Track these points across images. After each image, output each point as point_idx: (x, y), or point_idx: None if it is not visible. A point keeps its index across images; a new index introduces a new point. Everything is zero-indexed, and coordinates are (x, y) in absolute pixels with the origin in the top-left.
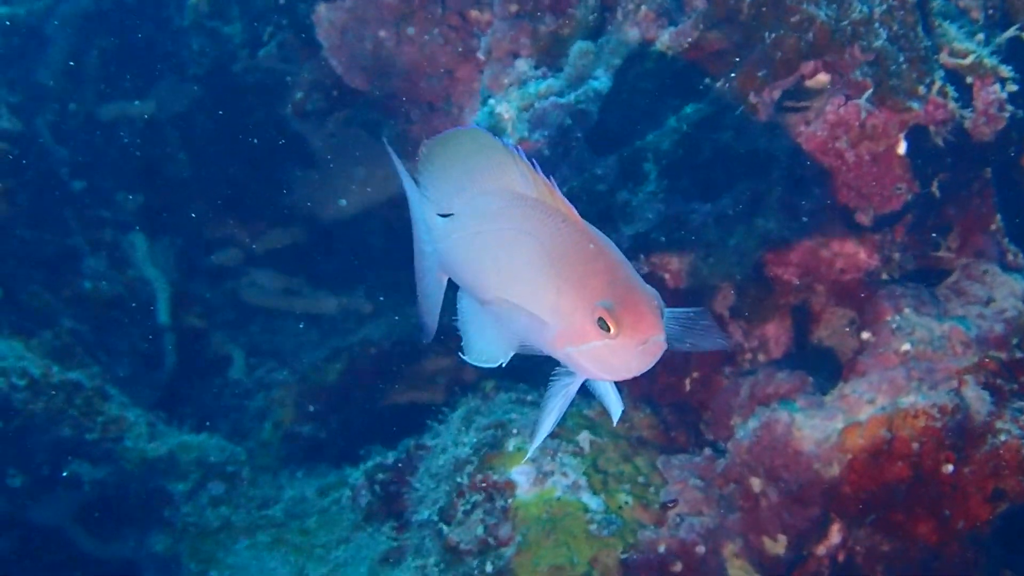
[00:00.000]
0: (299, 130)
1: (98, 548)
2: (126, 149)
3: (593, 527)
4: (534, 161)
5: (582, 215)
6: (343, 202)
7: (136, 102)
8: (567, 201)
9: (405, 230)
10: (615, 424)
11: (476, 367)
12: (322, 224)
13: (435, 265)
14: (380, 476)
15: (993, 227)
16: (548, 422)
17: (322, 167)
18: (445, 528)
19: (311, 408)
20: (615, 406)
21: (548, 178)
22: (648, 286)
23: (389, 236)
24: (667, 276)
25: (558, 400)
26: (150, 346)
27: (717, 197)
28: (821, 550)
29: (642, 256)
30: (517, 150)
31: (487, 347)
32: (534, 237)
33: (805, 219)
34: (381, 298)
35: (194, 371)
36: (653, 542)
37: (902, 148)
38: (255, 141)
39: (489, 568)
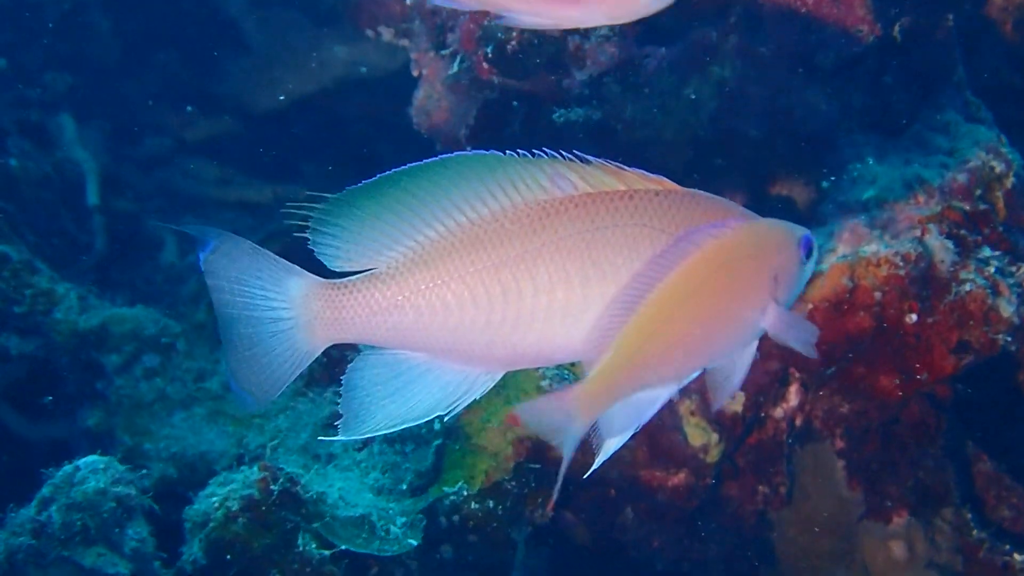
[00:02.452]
0: (233, 14)
1: (27, 428)
2: (53, 29)
3: (544, 383)
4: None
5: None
6: (281, 97)
7: None
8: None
9: (346, 122)
10: None
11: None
12: (258, 114)
13: (303, 336)
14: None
15: (955, 78)
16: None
17: (257, 54)
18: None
19: None
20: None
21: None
22: None
23: (330, 128)
24: (620, 126)
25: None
26: (79, 228)
27: (672, 42)
28: (779, 412)
29: (595, 102)
30: (546, 152)
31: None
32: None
33: (763, 66)
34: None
35: (125, 254)
36: None
37: None
38: (187, 25)
39: (437, 426)
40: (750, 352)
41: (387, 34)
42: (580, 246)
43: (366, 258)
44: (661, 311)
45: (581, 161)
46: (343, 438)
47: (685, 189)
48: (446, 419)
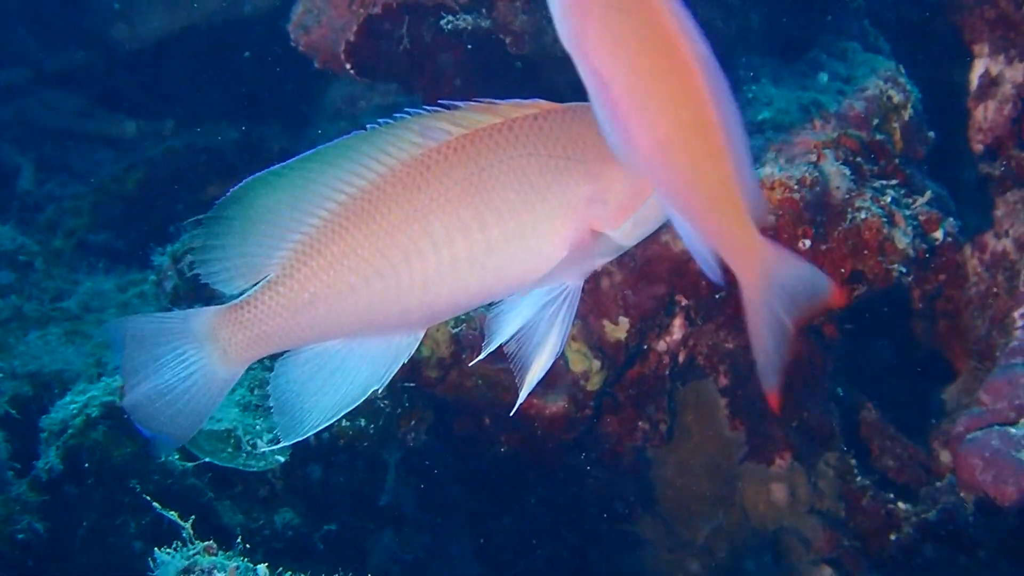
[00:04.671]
0: None
1: None
2: None
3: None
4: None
5: None
6: (149, 31)
7: None
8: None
9: (216, 60)
10: None
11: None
12: (123, 47)
13: (220, 367)
14: (189, 257)
15: (854, 5)
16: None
17: None
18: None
19: (108, 217)
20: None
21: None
22: None
23: (203, 62)
24: (508, 39)
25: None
26: None
27: None
28: (662, 345)
29: (484, 10)
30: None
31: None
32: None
33: None
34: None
35: None
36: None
37: None
38: None
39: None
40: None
41: None
42: (469, 191)
43: (257, 268)
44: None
45: (448, 109)
46: (287, 443)
47: (565, 106)
48: (380, 391)
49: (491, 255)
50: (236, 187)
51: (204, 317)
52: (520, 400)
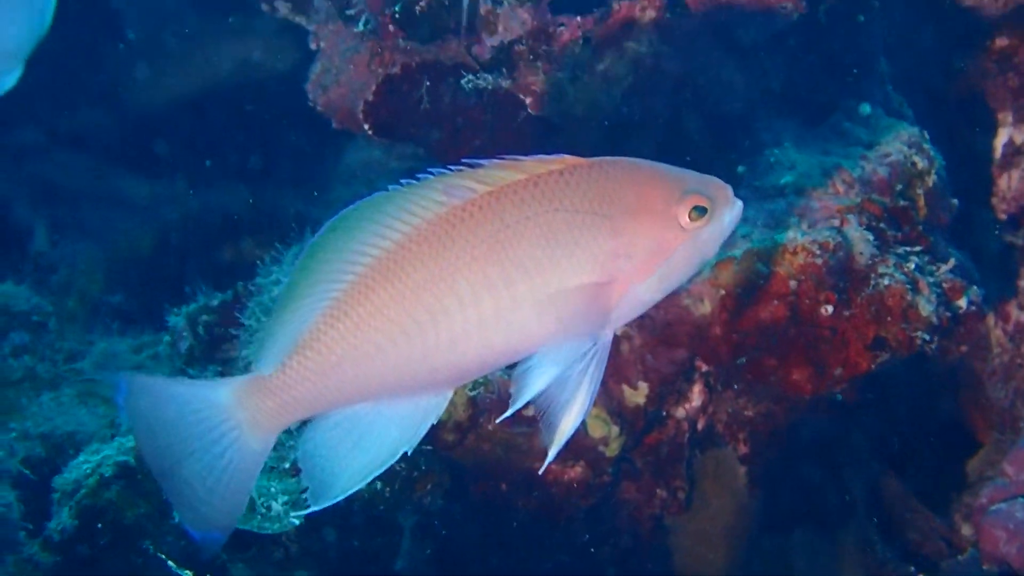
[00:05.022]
0: (115, 3)
1: None
2: None
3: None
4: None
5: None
6: (164, 93)
7: None
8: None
9: (235, 117)
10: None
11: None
12: (138, 108)
13: (252, 437)
14: (204, 318)
15: (877, 71)
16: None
17: (139, 47)
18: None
19: (122, 279)
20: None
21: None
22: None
23: (217, 123)
24: (528, 100)
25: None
26: None
27: (588, 11)
28: (680, 412)
29: (504, 70)
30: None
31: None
32: (521, 208)
33: (682, 43)
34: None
35: None
36: (505, 384)
37: None
38: (66, 9)
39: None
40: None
41: (283, 9)
42: (495, 248)
43: (292, 341)
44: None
45: (472, 167)
46: (318, 508)
47: (590, 160)
48: (410, 452)
49: (518, 312)
50: (289, 275)
51: (230, 384)
52: (549, 459)
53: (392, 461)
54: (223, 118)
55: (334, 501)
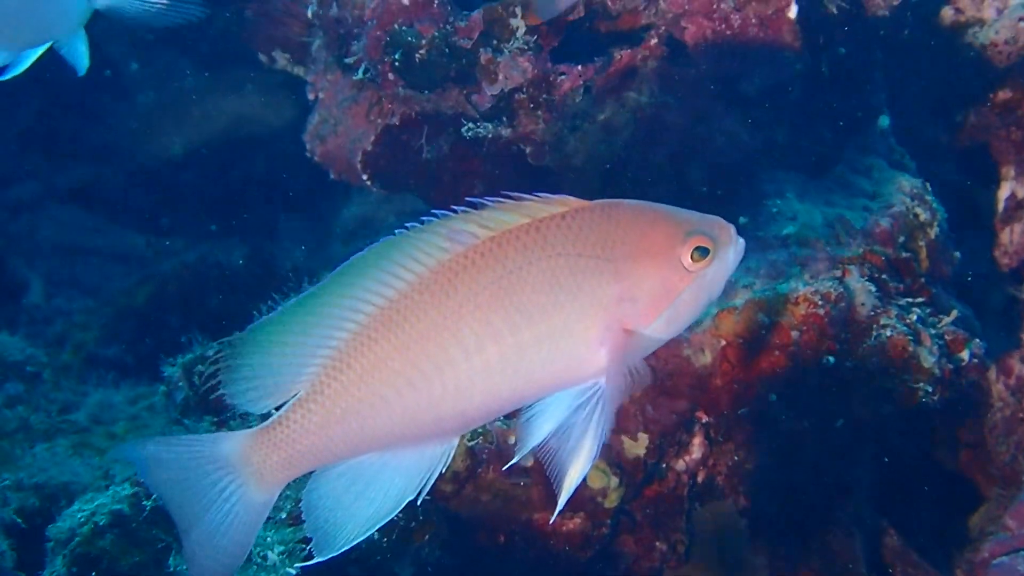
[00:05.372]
0: (114, 56)
1: None
2: None
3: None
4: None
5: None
6: (161, 149)
7: None
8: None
9: (232, 171)
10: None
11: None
12: (134, 163)
13: (256, 491)
14: (200, 368)
15: (880, 124)
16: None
17: (137, 101)
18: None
19: (118, 331)
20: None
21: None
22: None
23: (212, 177)
24: (528, 149)
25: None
26: None
27: (589, 60)
28: (681, 465)
29: (504, 119)
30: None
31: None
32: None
33: (683, 92)
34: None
35: None
36: (504, 433)
37: (792, 12)
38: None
39: None
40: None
41: (282, 60)
42: (498, 295)
43: (285, 387)
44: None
45: (475, 209)
46: (322, 559)
47: (592, 204)
48: (418, 501)
49: (523, 359)
50: (268, 315)
51: (233, 440)
52: (559, 506)
53: (397, 511)
54: (218, 174)
55: (339, 551)
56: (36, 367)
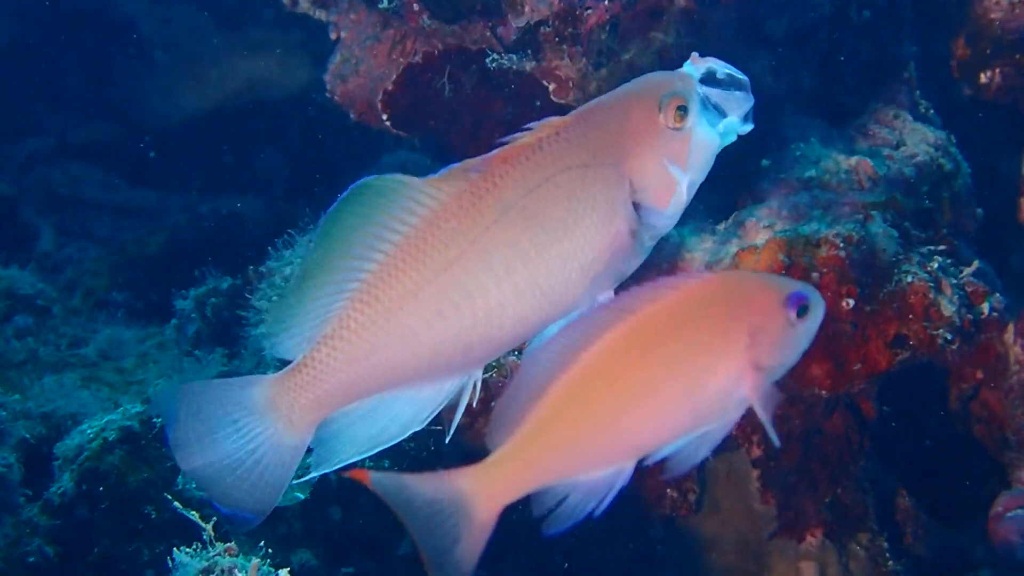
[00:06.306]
0: (131, 12)
1: None
2: None
3: None
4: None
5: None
6: (177, 108)
7: None
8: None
9: (239, 137)
10: None
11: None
12: (149, 122)
13: (287, 434)
14: (213, 301)
15: (906, 75)
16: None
17: (154, 60)
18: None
19: (129, 278)
20: None
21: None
22: None
23: (224, 143)
24: (552, 86)
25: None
26: None
27: None
28: None
29: (529, 52)
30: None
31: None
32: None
33: (709, 34)
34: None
35: None
36: (516, 365)
37: None
38: (83, 21)
39: None
40: (724, 427)
41: (305, 2)
42: (521, 217)
43: (315, 327)
44: (589, 384)
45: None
46: (316, 473)
47: (572, 116)
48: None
49: (551, 277)
50: (301, 259)
51: (263, 386)
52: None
53: (401, 438)
54: (234, 135)
55: (333, 469)
56: (46, 301)
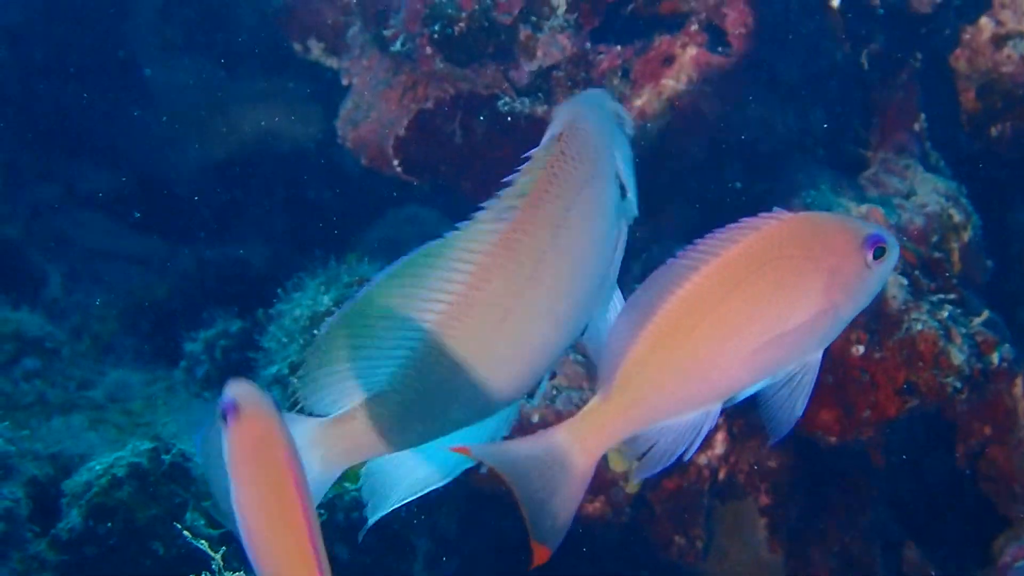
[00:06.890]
0: (140, 62)
1: None
2: None
3: None
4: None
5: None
6: (186, 158)
7: None
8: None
9: (248, 185)
10: None
11: None
12: (158, 170)
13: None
14: (223, 343)
15: (916, 127)
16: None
17: (163, 109)
18: (296, 382)
19: (136, 323)
20: None
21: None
22: None
23: (232, 190)
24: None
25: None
26: None
27: (629, 42)
28: (703, 459)
29: (541, 95)
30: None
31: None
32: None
33: (721, 81)
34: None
35: (4, 284)
36: (528, 413)
37: (836, 1)
38: (93, 68)
39: None
40: (813, 367)
41: (316, 50)
42: (568, 250)
43: (361, 389)
44: (675, 327)
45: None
46: (371, 519)
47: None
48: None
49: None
50: (346, 306)
51: (308, 425)
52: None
53: (454, 476)
54: (242, 186)
55: (387, 511)
56: (55, 344)
